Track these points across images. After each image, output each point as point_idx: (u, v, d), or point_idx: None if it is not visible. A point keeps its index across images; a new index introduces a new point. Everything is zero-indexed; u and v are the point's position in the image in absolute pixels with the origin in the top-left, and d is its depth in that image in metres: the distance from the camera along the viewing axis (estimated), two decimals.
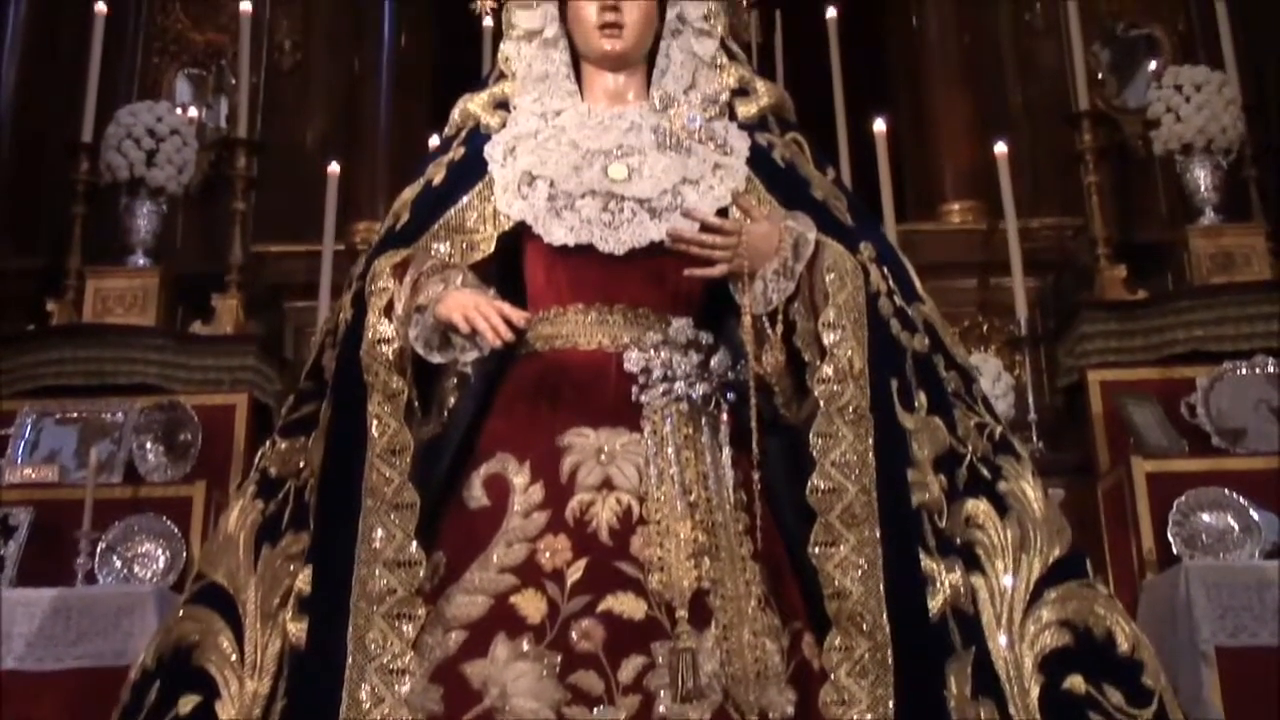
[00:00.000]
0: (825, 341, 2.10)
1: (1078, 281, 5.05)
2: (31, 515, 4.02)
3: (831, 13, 5.36)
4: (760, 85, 2.41)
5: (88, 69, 5.01)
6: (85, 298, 4.75)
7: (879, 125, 5.01)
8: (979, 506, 2.14)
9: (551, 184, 2.23)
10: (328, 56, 5.77)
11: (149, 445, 4.36)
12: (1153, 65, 5.59)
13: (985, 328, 5.12)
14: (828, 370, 2.09)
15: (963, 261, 5.13)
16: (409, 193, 2.37)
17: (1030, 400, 4.75)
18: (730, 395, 2.13)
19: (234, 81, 5.58)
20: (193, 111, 5.69)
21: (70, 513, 3.94)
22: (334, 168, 5.05)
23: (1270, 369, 4.33)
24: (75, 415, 4.42)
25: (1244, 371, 4.34)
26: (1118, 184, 5.34)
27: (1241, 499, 3.92)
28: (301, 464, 2.24)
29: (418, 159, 4.71)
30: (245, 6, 5.28)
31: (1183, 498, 3.95)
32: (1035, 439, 4.63)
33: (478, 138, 2.36)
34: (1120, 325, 4.66)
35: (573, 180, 2.22)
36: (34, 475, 4.23)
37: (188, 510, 4.12)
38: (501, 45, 2.42)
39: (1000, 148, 5.01)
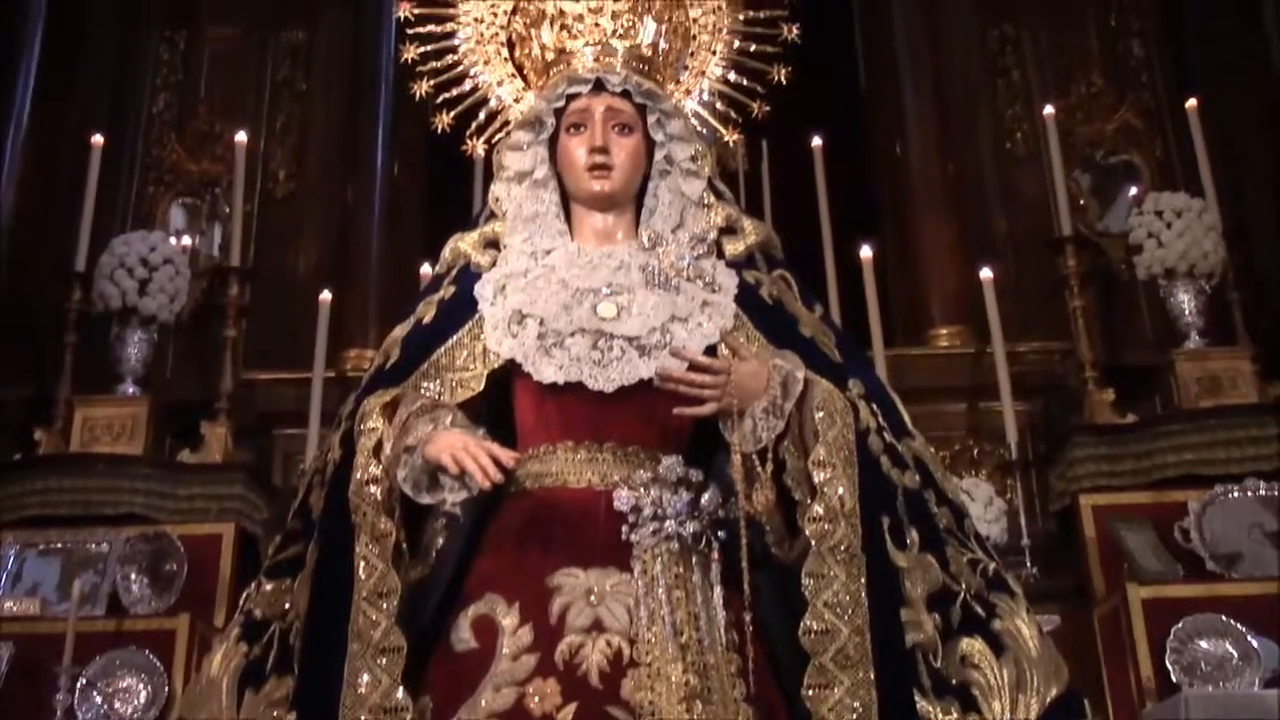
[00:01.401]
0: (815, 480, 2.09)
1: (1066, 405, 5.06)
2: (11, 650, 3.95)
3: (817, 141, 5.45)
4: (747, 223, 2.44)
5: (83, 198, 5.06)
6: (73, 426, 4.72)
7: (865, 251, 5.07)
8: (974, 646, 2.11)
9: (541, 322, 2.24)
10: (321, 186, 5.86)
11: (133, 576, 4.30)
12: (1133, 190, 5.69)
13: (976, 452, 5.12)
14: (818, 509, 2.07)
15: (951, 386, 5.15)
16: (399, 331, 2.39)
17: (1023, 525, 4.73)
18: (721, 534, 2.12)
19: (228, 210, 5.64)
20: (186, 239, 5.74)
21: (51, 647, 3.87)
22: (325, 295, 5.08)
23: (1262, 492, 4.32)
24: (59, 546, 4.37)
25: (1236, 495, 4.33)
26: (1103, 307, 5.39)
27: (1240, 625, 3.88)
28: (287, 606, 2.22)
29: (409, 288, 4.80)
30: (240, 137, 5.37)
31: (1180, 624, 3.92)
32: (1029, 564, 4.59)
33: (468, 276, 2.38)
34: (1110, 449, 4.67)
35: (562, 319, 2.24)
36: (15, 608, 4.17)
37: (171, 643, 4.05)
38: (492, 185, 2.46)
39: (986, 273, 5.07)
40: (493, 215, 2.45)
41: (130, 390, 4.83)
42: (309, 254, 5.72)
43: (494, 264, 2.38)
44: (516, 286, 2.31)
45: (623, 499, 2.12)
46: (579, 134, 2.35)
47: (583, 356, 2.20)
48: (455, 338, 2.30)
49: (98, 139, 5.21)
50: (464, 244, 2.43)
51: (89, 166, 5.13)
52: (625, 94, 2.37)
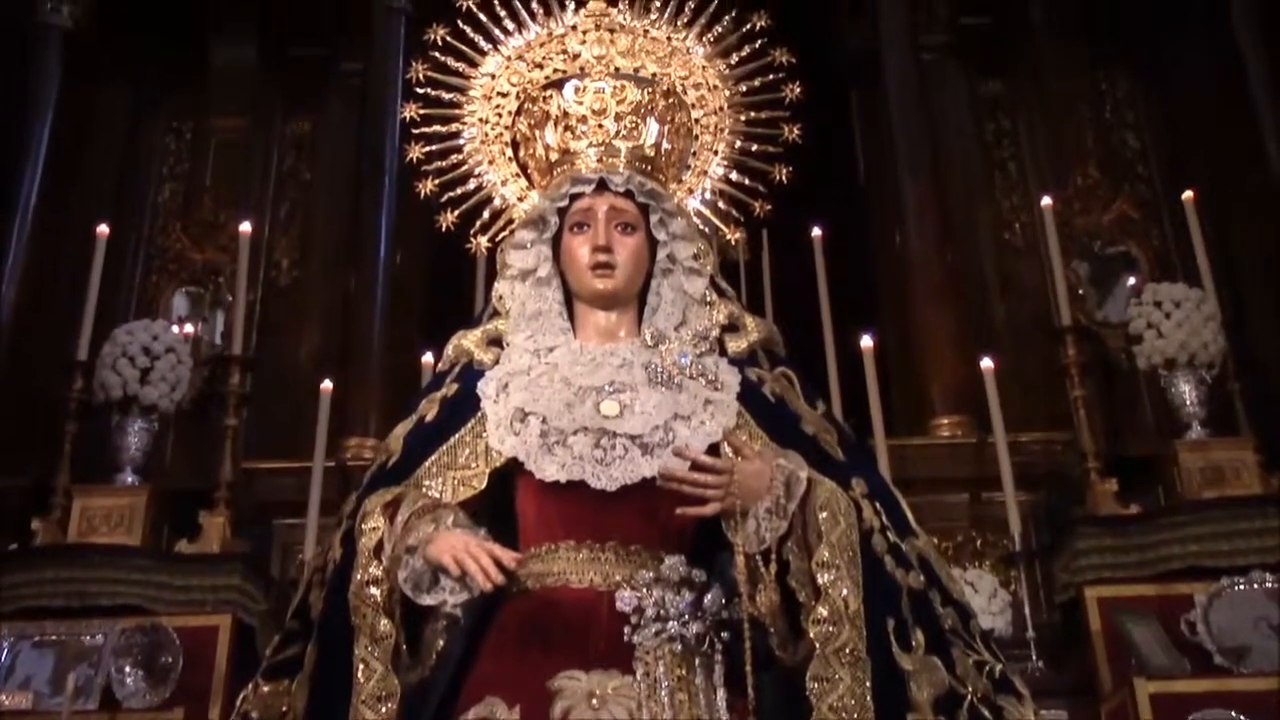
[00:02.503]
0: (819, 581, 2.07)
1: (1069, 495, 5.03)
2: None
3: (817, 232, 5.49)
4: (749, 321, 2.45)
5: (87, 287, 5.07)
6: (71, 516, 4.68)
7: (866, 341, 5.06)
8: None
9: (544, 420, 2.24)
10: (323, 275, 5.91)
11: (128, 669, 4.24)
12: (1131, 280, 5.73)
13: (979, 543, 5.08)
14: (823, 611, 2.05)
15: (953, 476, 5.13)
16: (401, 428, 2.38)
17: (1028, 617, 4.67)
18: (724, 635, 2.09)
19: (230, 298, 5.67)
20: (189, 327, 5.76)
21: None
22: (326, 385, 5.07)
23: (1268, 585, 4.28)
24: (54, 638, 4.32)
25: (1242, 587, 4.29)
26: (1104, 397, 5.40)
27: None
28: (284, 709, 2.19)
29: (410, 378, 4.80)
30: (245, 227, 5.39)
31: None
32: (1034, 657, 4.53)
33: (471, 374, 2.39)
34: (1115, 541, 4.61)
35: (565, 417, 2.23)
36: (8, 702, 4.11)
37: None
38: (496, 283, 2.47)
39: (986, 363, 5.07)
40: (496, 313, 2.46)
41: (129, 480, 4.80)
42: (310, 343, 5.74)
43: (497, 361, 2.38)
44: (519, 384, 2.31)
45: (625, 600, 2.10)
46: (582, 233, 2.37)
47: (585, 455, 2.20)
48: (458, 436, 2.30)
49: (103, 229, 5.24)
50: (467, 341, 2.44)
51: (93, 255, 5.15)
52: (628, 194, 2.39)
